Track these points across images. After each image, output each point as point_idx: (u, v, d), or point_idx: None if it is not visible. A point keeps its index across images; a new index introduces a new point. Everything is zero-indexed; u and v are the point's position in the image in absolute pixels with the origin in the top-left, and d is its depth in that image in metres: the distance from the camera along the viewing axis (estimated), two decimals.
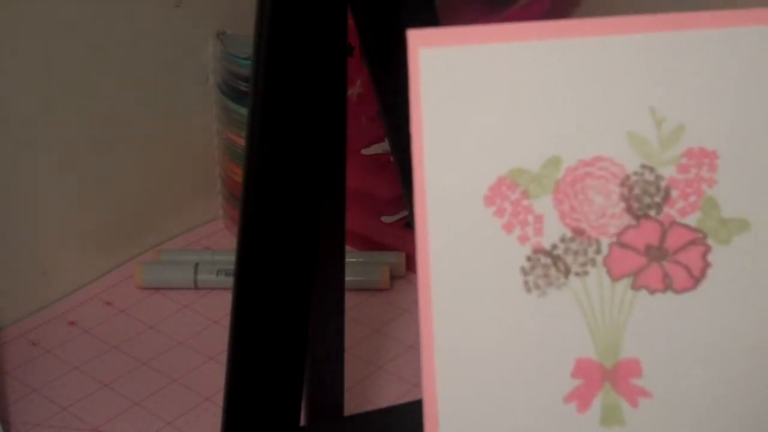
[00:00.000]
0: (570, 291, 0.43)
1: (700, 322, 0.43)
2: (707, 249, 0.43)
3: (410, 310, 1.41)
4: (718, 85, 0.42)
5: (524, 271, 0.43)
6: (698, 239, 0.43)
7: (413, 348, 1.35)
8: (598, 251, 0.43)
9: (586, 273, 0.43)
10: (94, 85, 1.39)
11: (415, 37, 0.41)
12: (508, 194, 0.42)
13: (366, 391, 1.29)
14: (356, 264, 1.43)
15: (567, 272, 0.43)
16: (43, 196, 1.38)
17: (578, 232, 0.42)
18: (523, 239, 0.42)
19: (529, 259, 0.42)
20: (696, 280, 0.43)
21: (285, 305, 0.79)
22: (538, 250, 0.42)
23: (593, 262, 0.43)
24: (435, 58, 0.41)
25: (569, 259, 0.43)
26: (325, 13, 0.74)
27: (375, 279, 1.44)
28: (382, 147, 1.52)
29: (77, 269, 1.44)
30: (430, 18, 0.76)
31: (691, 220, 0.42)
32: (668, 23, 0.41)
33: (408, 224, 1.48)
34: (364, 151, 1.53)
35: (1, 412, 1.25)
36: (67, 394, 1.28)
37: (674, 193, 0.42)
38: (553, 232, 0.42)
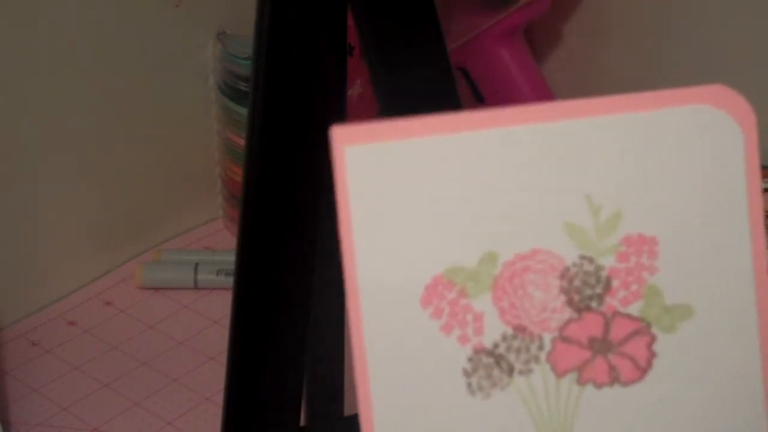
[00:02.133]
0: (515, 390, 0.41)
1: (648, 414, 0.41)
2: (652, 338, 0.41)
3: None
4: (654, 169, 0.40)
5: (466, 373, 0.40)
6: (642, 329, 0.41)
7: None
8: (540, 347, 0.41)
9: (530, 371, 0.41)
10: (93, 84, 1.39)
11: (339, 135, 0.39)
12: (446, 294, 0.40)
13: None
14: None
15: (511, 371, 0.41)
16: (43, 196, 1.38)
17: (519, 329, 0.41)
18: (463, 340, 0.40)
19: (470, 359, 0.40)
20: (643, 371, 0.41)
21: (285, 305, 0.79)
22: (479, 350, 0.40)
23: (537, 359, 0.41)
24: (361, 155, 0.39)
25: (512, 357, 0.41)
26: (325, 13, 0.74)
27: None
28: None
29: (77, 269, 1.44)
30: (430, 18, 0.76)
31: (634, 309, 0.41)
32: (599, 108, 0.40)
33: None
34: None
35: (1, 412, 1.25)
36: (67, 394, 1.28)
37: (615, 283, 0.41)
38: (493, 330, 0.40)
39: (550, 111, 0.40)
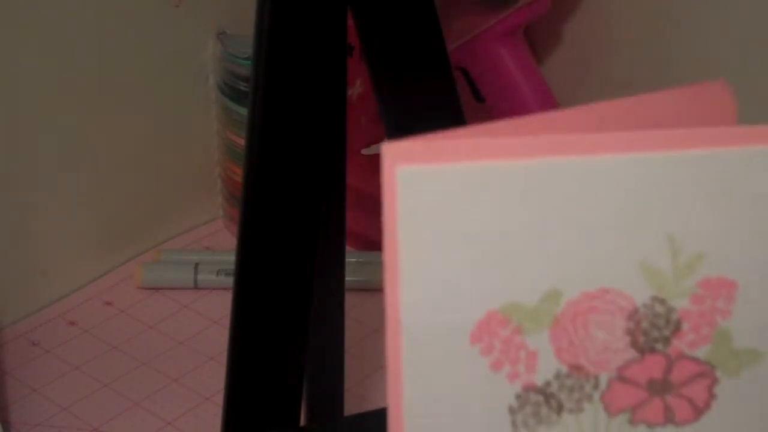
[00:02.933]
0: (562, 429, 0.39)
1: None
2: (714, 381, 0.39)
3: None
4: (739, 209, 0.37)
5: (512, 410, 0.38)
6: (706, 372, 0.39)
7: None
8: (596, 386, 0.39)
9: (581, 410, 0.39)
10: (93, 84, 1.39)
11: (392, 152, 0.35)
12: (499, 330, 0.37)
13: (366, 391, 1.28)
14: (356, 264, 1.43)
15: (560, 410, 0.39)
16: (43, 195, 1.38)
17: (576, 368, 0.38)
18: (512, 377, 0.38)
19: (518, 397, 0.38)
20: (699, 412, 0.39)
21: (285, 305, 0.79)
22: (528, 388, 0.38)
23: (590, 398, 0.39)
24: (414, 176, 0.35)
25: (563, 396, 0.38)
26: (325, 13, 0.74)
27: (375, 279, 1.44)
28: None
29: (77, 269, 1.44)
30: (430, 18, 0.76)
31: (701, 352, 0.39)
32: (688, 140, 0.37)
33: None
34: (364, 151, 1.53)
35: (1, 412, 1.25)
36: (67, 394, 1.28)
37: (685, 326, 0.38)
38: (547, 368, 0.38)
39: (635, 141, 0.36)
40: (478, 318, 0.37)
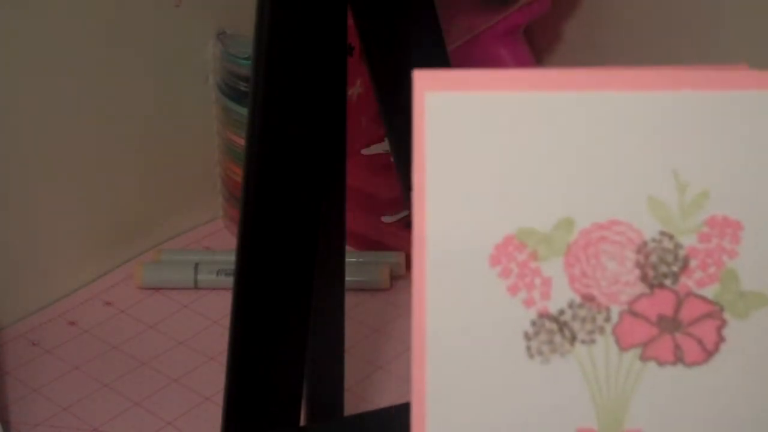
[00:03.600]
0: (575, 359, 0.40)
1: (708, 398, 0.41)
2: (723, 323, 0.40)
3: (410, 311, 1.41)
4: (747, 151, 0.39)
5: (527, 336, 0.40)
6: (714, 312, 0.40)
7: None
8: (607, 319, 0.40)
9: (593, 341, 0.40)
10: (94, 84, 1.39)
11: (421, 79, 0.38)
12: (516, 255, 0.40)
13: (366, 391, 1.29)
14: (356, 264, 1.43)
15: (573, 339, 0.40)
16: (43, 196, 1.38)
17: (588, 299, 0.40)
18: (528, 303, 0.40)
19: (533, 323, 0.40)
20: (708, 353, 0.41)
21: (285, 305, 0.79)
22: (543, 315, 0.40)
23: (602, 330, 0.40)
24: (442, 102, 0.38)
25: (576, 325, 0.40)
26: (325, 13, 0.74)
27: (375, 279, 1.44)
28: (382, 147, 1.52)
29: (77, 269, 1.44)
30: (430, 18, 0.76)
31: (709, 292, 0.40)
32: (699, 81, 0.38)
33: (408, 224, 1.48)
34: (364, 151, 1.53)
35: (1, 412, 1.25)
36: (67, 394, 1.28)
37: (693, 263, 0.40)
38: (561, 296, 0.40)
39: (646, 79, 0.38)
40: (496, 241, 0.39)
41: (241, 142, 1.40)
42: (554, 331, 0.40)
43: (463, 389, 0.40)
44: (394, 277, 1.46)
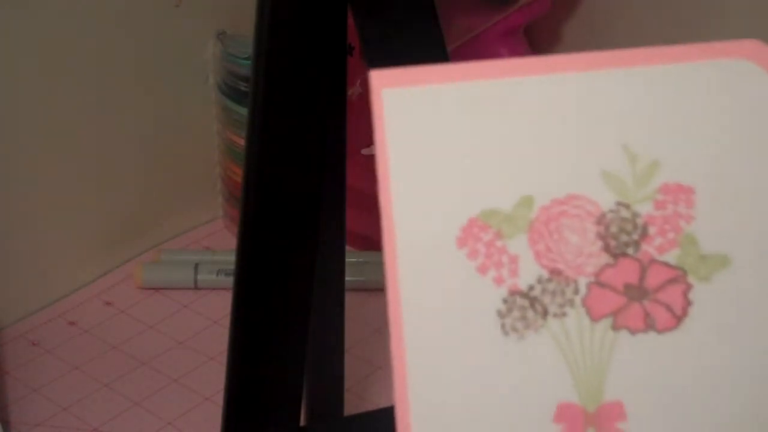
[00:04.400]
0: (549, 333, 0.41)
1: (683, 362, 0.42)
2: (688, 287, 0.42)
3: None
4: (692, 120, 0.41)
5: (501, 314, 0.41)
6: (678, 277, 0.42)
7: None
8: (576, 291, 0.41)
9: (564, 314, 0.41)
10: (93, 84, 1.39)
11: (377, 78, 0.40)
12: (481, 235, 0.41)
13: (366, 391, 1.29)
14: (356, 264, 1.43)
15: (545, 314, 0.41)
16: (43, 196, 1.38)
17: (555, 273, 0.41)
18: (498, 281, 0.41)
19: (505, 301, 0.41)
20: (678, 318, 0.42)
21: (285, 305, 0.79)
22: (514, 292, 0.41)
23: (572, 303, 0.41)
24: (399, 98, 0.40)
25: (547, 300, 0.41)
26: (325, 13, 0.74)
27: (375, 279, 1.44)
28: None
29: (77, 269, 1.44)
30: (430, 18, 0.76)
31: (670, 257, 0.42)
32: (638, 58, 0.41)
33: None
34: (364, 151, 1.53)
35: (1, 412, 1.25)
36: (67, 394, 1.28)
37: (651, 230, 0.41)
38: (529, 273, 0.41)
39: (588, 61, 0.41)
40: (462, 224, 0.41)
41: (241, 142, 1.40)
42: (526, 307, 0.41)
43: (442, 370, 0.41)
44: None
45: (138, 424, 1.24)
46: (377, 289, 1.44)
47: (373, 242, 1.50)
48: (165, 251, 1.50)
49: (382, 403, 1.26)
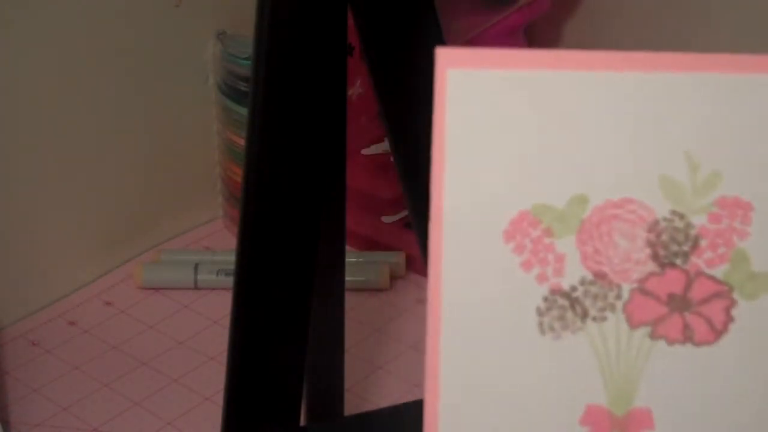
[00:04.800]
0: (586, 336, 0.41)
1: (717, 378, 0.41)
2: (732, 303, 0.41)
3: (410, 310, 1.41)
4: (758, 135, 0.40)
5: (540, 312, 0.41)
6: (723, 292, 0.41)
7: (413, 348, 1.35)
8: (618, 296, 0.41)
9: (604, 318, 0.41)
10: (93, 84, 1.39)
11: (443, 56, 0.39)
12: (530, 231, 0.40)
13: (366, 391, 1.29)
14: (356, 264, 1.43)
15: (584, 316, 0.41)
16: (43, 196, 1.38)
17: (600, 276, 0.41)
18: (541, 278, 0.41)
19: (545, 299, 0.41)
20: (717, 334, 0.41)
21: (285, 305, 0.79)
22: (555, 291, 0.41)
23: (612, 308, 0.41)
24: (463, 79, 0.39)
25: (588, 302, 0.41)
26: (325, 13, 0.74)
27: (375, 279, 1.44)
28: (382, 147, 1.52)
29: (77, 269, 1.44)
30: (430, 18, 0.76)
31: (719, 272, 0.41)
32: (712, 64, 0.39)
33: (408, 224, 1.48)
34: (364, 151, 1.53)
35: (1, 412, 1.25)
36: (67, 394, 1.28)
37: (703, 243, 0.41)
38: (573, 273, 0.41)
39: (660, 61, 0.39)
40: (512, 217, 0.40)
41: (241, 142, 1.40)
42: (566, 308, 0.41)
43: (476, 363, 0.41)
44: (394, 277, 1.46)
45: (138, 424, 1.24)
46: (377, 289, 1.44)
47: (373, 242, 1.50)
48: (165, 251, 1.50)
49: (382, 403, 1.26)
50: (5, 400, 1.27)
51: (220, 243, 1.54)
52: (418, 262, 1.44)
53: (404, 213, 1.49)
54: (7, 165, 1.34)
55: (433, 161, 0.40)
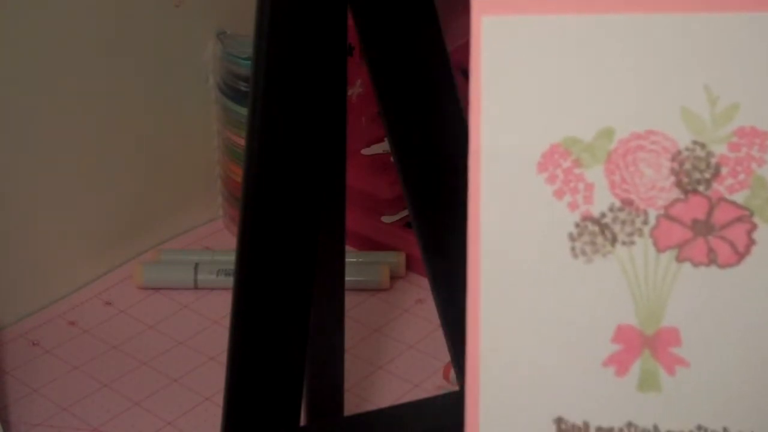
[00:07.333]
0: (616, 259, 0.44)
1: (741, 297, 0.44)
2: (753, 227, 0.43)
3: (410, 310, 1.41)
4: None
5: (572, 237, 0.44)
6: (745, 216, 0.43)
7: (413, 348, 1.35)
8: (645, 222, 0.44)
9: (632, 243, 0.44)
10: (93, 84, 1.39)
11: (478, 4, 0.42)
12: (561, 162, 0.43)
13: (366, 391, 1.29)
14: (356, 264, 1.43)
15: (614, 241, 0.44)
16: (43, 195, 1.38)
17: (627, 203, 0.43)
18: (572, 206, 0.44)
19: (577, 225, 0.44)
20: (740, 256, 0.43)
21: (285, 305, 0.79)
22: (586, 218, 0.44)
23: (640, 233, 0.44)
24: (496, 25, 0.42)
25: (617, 228, 0.44)
26: (325, 13, 0.74)
27: (375, 279, 1.44)
28: (382, 147, 1.52)
29: (77, 269, 1.44)
30: (430, 18, 0.76)
31: (739, 197, 0.43)
32: (728, 3, 0.42)
33: (408, 224, 1.48)
34: (364, 151, 1.53)
35: (1, 412, 1.25)
36: (67, 394, 1.28)
37: (724, 171, 0.43)
38: (602, 201, 0.44)
39: (681, 2, 0.42)
40: (543, 149, 0.43)
41: (241, 142, 1.40)
42: (596, 233, 0.44)
43: (514, 286, 0.44)
44: (394, 277, 1.46)
45: (138, 424, 1.24)
46: (377, 289, 1.44)
47: (373, 242, 1.50)
48: (165, 251, 1.50)
49: (382, 403, 1.26)
50: (5, 400, 1.27)
51: (220, 243, 1.54)
52: (418, 262, 1.44)
53: (404, 213, 1.49)
54: (7, 165, 1.34)
55: (471, 102, 0.43)
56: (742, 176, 0.43)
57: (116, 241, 1.47)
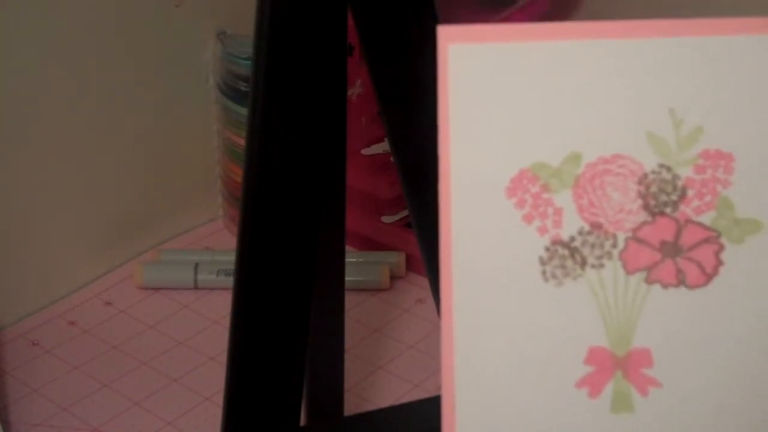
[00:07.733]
0: (586, 282, 0.44)
1: (711, 318, 0.44)
2: (720, 247, 0.44)
3: (410, 310, 1.41)
4: (737, 90, 0.43)
5: (542, 261, 0.44)
6: (712, 237, 0.44)
7: (413, 348, 1.35)
8: (614, 245, 0.44)
9: (602, 265, 0.44)
10: (93, 84, 1.39)
11: (444, 33, 0.42)
12: (529, 187, 0.44)
13: (366, 391, 1.29)
14: (356, 264, 1.43)
15: (584, 264, 0.44)
16: (43, 196, 1.38)
17: (596, 226, 0.44)
18: (542, 230, 0.44)
19: (547, 249, 0.44)
20: (708, 276, 0.44)
21: (285, 305, 0.79)
22: (556, 242, 0.44)
23: (609, 256, 0.44)
24: (463, 54, 0.43)
25: (586, 251, 0.44)
26: (325, 13, 0.74)
27: (375, 279, 1.44)
28: (382, 147, 1.52)
29: (77, 269, 1.44)
30: (430, 18, 0.76)
31: (706, 218, 0.44)
32: (690, 28, 0.43)
33: (408, 224, 1.48)
34: (364, 151, 1.53)
35: (1, 412, 1.25)
36: (67, 394, 1.28)
37: (690, 193, 0.44)
38: (571, 225, 0.44)
39: (643, 28, 0.43)
40: (512, 175, 0.44)
41: (241, 142, 1.40)
42: (566, 257, 0.44)
43: (486, 310, 0.44)
44: (394, 277, 1.46)
45: (138, 424, 1.24)
46: (377, 289, 1.44)
47: (373, 242, 1.51)
48: (165, 251, 1.50)
49: (382, 403, 1.26)
50: (5, 400, 1.27)
51: (220, 243, 1.54)
52: (418, 262, 1.44)
53: (404, 213, 1.49)
54: (7, 165, 1.34)
55: (439, 129, 0.43)
56: (708, 198, 0.44)
57: (116, 241, 1.47)
